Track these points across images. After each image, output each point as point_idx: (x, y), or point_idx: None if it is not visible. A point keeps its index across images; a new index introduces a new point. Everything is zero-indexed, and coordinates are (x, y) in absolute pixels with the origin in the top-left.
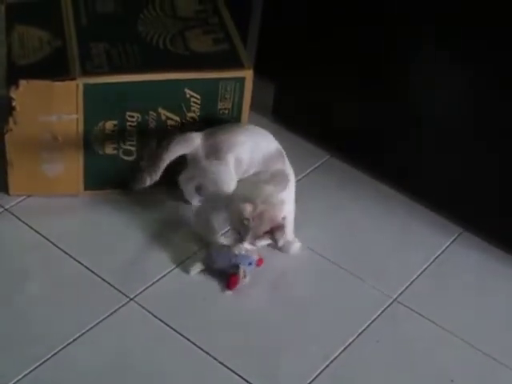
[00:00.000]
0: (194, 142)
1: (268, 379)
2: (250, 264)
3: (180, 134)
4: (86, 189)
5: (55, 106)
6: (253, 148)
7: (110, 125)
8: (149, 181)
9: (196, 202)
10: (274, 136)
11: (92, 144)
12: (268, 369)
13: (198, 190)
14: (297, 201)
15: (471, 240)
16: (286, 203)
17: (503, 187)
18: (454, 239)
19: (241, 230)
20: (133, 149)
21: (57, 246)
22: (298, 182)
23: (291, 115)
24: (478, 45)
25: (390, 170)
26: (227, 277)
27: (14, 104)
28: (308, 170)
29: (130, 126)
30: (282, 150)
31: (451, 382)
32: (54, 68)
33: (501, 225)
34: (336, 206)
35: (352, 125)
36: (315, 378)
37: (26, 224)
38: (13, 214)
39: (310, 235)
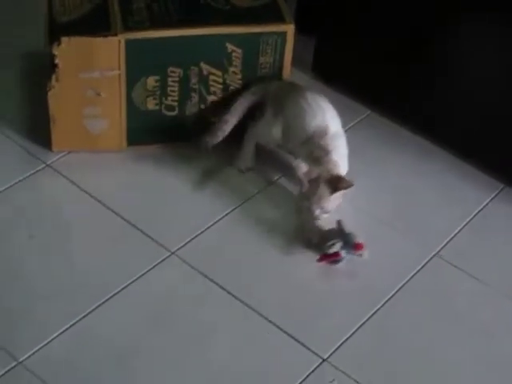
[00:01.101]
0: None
1: (308, 331)
2: (346, 247)
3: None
4: (129, 144)
5: (97, 62)
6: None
7: (151, 80)
8: (220, 137)
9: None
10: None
11: (134, 100)
12: (308, 321)
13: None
14: None
15: None
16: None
17: None
18: (496, 195)
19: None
20: (175, 104)
21: (99, 201)
22: None
23: (331, 71)
24: None
25: (431, 124)
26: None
27: (56, 61)
28: (348, 126)
29: (172, 81)
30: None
31: (490, 335)
32: (95, 24)
33: None
34: (376, 161)
35: (392, 81)
36: (356, 331)
37: (68, 179)
38: (55, 170)
39: (348, 192)
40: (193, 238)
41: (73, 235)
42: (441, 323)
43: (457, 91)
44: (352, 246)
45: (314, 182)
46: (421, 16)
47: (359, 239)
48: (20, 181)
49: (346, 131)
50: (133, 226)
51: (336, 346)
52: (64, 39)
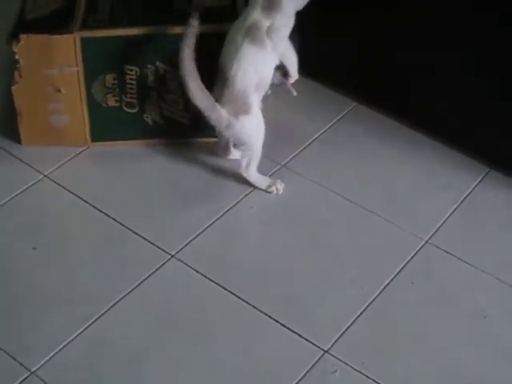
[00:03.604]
0: None
1: (308, 324)
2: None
3: None
4: (93, 140)
5: (56, 60)
6: None
7: (109, 78)
8: None
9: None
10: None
11: (94, 96)
12: (307, 314)
13: None
14: (326, 150)
15: (499, 178)
16: None
17: None
18: (482, 178)
19: None
20: (134, 101)
21: (93, 206)
22: (326, 130)
23: (317, 65)
24: None
25: (416, 113)
26: None
27: (16, 57)
28: (336, 119)
29: (130, 79)
30: None
31: (484, 318)
32: (58, 22)
33: None
34: (364, 152)
35: (377, 71)
36: (355, 321)
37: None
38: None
39: (339, 182)
40: (192, 240)
41: (72, 243)
42: (436, 308)
43: (439, 78)
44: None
45: None
46: (404, 6)
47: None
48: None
49: (333, 124)
50: (130, 230)
51: (336, 337)
52: (22, 36)
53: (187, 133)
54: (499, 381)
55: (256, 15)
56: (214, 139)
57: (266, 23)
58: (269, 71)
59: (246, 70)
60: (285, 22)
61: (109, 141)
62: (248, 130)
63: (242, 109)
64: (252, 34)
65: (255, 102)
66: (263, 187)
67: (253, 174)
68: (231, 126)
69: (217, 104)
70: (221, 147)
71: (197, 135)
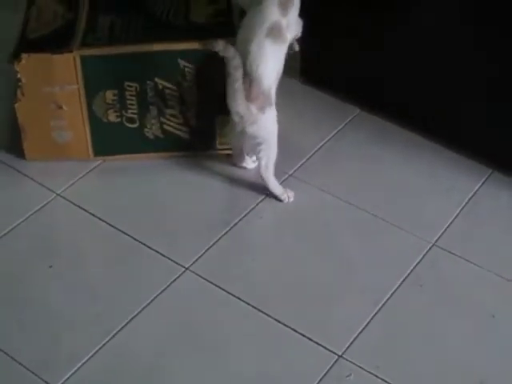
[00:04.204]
0: None
1: (322, 330)
2: None
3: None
4: (95, 155)
5: (57, 78)
6: None
7: (110, 94)
8: None
9: None
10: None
11: (96, 112)
12: (321, 320)
13: None
14: (332, 157)
15: (501, 180)
16: None
17: None
18: (485, 180)
19: None
20: (135, 117)
21: (104, 221)
22: (330, 138)
23: (319, 74)
24: None
25: (418, 117)
26: None
27: (19, 76)
28: (340, 126)
29: (130, 95)
30: None
31: (492, 317)
32: (59, 41)
33: None
34: (368, 158)
35: (378, 77)
36: (367, 325)
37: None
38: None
39: (345, 189)
40: (205, 252)
41: (87, 260)
42: (446, 309)
43: (440, 82)
44: None
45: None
46: (405, 12)
47: None
48: (36, 211)
49: (338, 131)
50: (144, 244)
51: (350, 342)
52: (24, 56)
53: (187, 146)
54: (509, 378)
55: (274, 15)
56: (215, 151)
57: (284, 21)
58: (283, 61)
59: (271, 67)
60: (296, 15)
61: (111, 155)
62: (270, 123)
63: (267, 102)
64: (274, 33)
65: (274, 93)
66: (278, 193)
67: (271, 177)
68: (257, 122)
69: (248, 103)
70: (235, 156)
71: (197, 148)
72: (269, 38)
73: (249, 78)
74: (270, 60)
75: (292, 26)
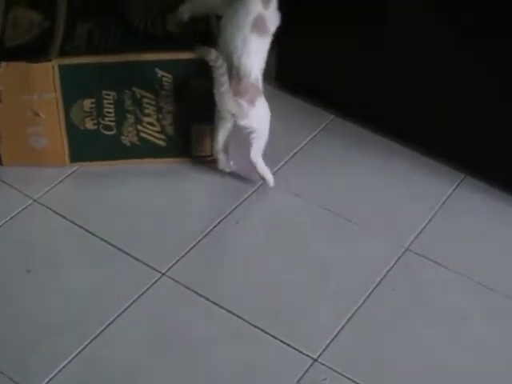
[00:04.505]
0: None
1: (297, 334)
2: None
3: None
4: (72, 161)
5: (35, 86)
6: None
7: (87, 102)
8: None
9: None
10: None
11: (73, 120)
12: (296, 325)
13: None
14: (307, 163)
15: (474, 184)
16: None
17: (501, 128)
18: (458, 185)
19: None
20: (112, 124)
21: (80, 226)
22: (306, 144)
23: (294, 80)
24: None
25: (389, 123)
26: None
27: None
28: (314, 132)
29: (108, 103)
30: None
31: (465, 319)
32: (37, 49)
33: (501, 166)
34: (343, 164)
35: (352, 83)
36: (341, 329)
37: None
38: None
39: (321, 194)
40: (181, 257)
41: (65, 266)
42: (419, 312)
43: (412, 88)
44: None
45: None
46: (377, 20)
47: None
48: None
49: (312, 137)
50: (121, 250)
51: (324, 346)
52: (2, 64)
53: (164, 153)
54: (482, 378)
55: (257, 7)
56: (191, 158)
57: (267, 13)
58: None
59: (258, 60)
60: (275, 7)
61: (87, 161)
62: (262, 112)
63: (257, 94)
64: (259, 26)
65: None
66: (267, 176)
67: (260, 159)
68: (248, 115)
69: (238, 99)
70: (220, 161)
71: (173, 155)
72: (254, 32)
73: (236, 73)
74: (256, 53)
75: (273, 18)
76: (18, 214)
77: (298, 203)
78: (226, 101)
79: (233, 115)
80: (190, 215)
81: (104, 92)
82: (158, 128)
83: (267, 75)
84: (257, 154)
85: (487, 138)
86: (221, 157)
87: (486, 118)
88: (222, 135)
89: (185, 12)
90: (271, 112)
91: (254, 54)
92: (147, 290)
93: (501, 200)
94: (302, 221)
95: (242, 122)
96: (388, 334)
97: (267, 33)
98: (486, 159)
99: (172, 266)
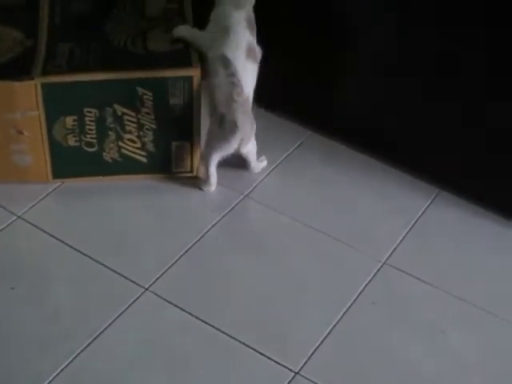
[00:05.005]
0: None
1: (279, 348)
2: None
3: None
4: (54, 177)
5: (18, 104)
6: None
7: (69, 120)
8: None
9: None
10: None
11: (55, 137)
12: (278, 338)
13: None
14: (285, 179)
15: (448, 199)
16: None
17: (475, 144)
18: (433, 200)
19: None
20: (94, 141)
21: (65, 243)
22: (283, 160)
23: (270, 98)
24: None
25: (366, 139)
26: None
27: None
28: (292, 148)
29: (89, 120)
30: None
31: (442, 332)
32: (19, 68)
33: (475, 180)
34: (320, 179)
35: (328, 100)
36: (322, 342)
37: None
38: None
39: (299, 209)
40: (163, 272)
41: (49, 282)
42: (397, 326)
43: (388, 104)
44: None
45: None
46: (352, 37)
47: None
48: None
49: (290, 153)
50: (104, 265)
51: (305, 359)
52: None
53: (145, 170)
54: None
55: (247, 35)
56: (172, 175)
57: (254, 41)
58: None
59: (253, 86)
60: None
61: (70, 178)
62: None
63: (253, 122)
64: (251, 54)
65: None
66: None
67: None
68: (250, 140)
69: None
70: (204, 181)
71: (154, 172)
72: (249, 59)
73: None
74: (253, 80)
75: (256, 46)
76: (1, 230)
77: (276, 218)
78: (218, 95)
79: (241, 141)
80: (172, 231)
81: (86, 109)
82: (139, 145)
83: None
84: (254, 156)
85: (461, 153)
86: (212, 180)
87: (460, 134)
88: (215, 157)
89: (179, 34)
90: None
91: (252, 83)
92: (130, 305)
93: (475, 214)
94: (281, 235)
95: (245, 149)
96: (367, 347)
97: (256, 60)
98: (460, 173)
99: (155, 281)
